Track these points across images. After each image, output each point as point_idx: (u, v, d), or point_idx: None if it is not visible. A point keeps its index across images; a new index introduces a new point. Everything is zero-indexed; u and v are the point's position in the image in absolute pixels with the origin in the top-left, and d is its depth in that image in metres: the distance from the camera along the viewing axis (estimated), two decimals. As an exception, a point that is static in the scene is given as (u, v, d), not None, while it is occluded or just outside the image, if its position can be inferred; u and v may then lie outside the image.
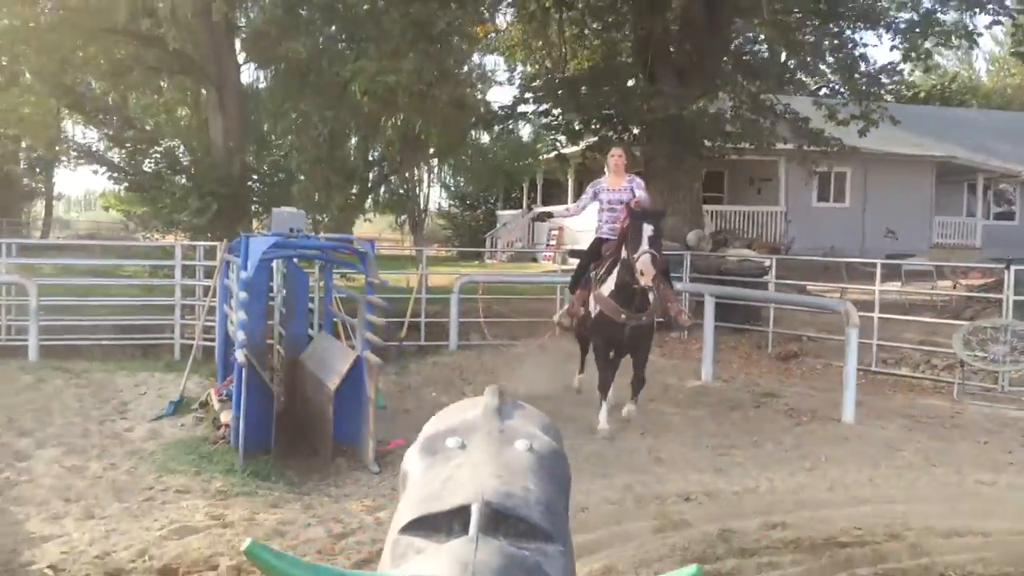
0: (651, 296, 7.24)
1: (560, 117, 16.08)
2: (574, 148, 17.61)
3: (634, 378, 7.62)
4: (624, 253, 7.06)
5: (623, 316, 7.19)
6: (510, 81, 29.47)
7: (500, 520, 1.60)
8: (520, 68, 22.79)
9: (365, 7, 11.78)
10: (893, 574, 4.61)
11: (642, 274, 6.71)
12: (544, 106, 16.26)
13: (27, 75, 16.38)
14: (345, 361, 6.73)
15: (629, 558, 4.69)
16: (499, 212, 34.82)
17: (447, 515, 1.63)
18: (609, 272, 7.39)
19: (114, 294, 12.14)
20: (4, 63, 16.40)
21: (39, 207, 44.56)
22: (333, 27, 11.93)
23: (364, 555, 4.65)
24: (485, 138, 26.13)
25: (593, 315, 7.52)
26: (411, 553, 1.58)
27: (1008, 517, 5.37)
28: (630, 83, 16.61)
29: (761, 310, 12.49)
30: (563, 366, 9.55)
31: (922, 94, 37.94)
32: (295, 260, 8.29)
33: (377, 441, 6.57)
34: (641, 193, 7.56)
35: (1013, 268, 9.91)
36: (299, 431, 7.07)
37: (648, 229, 6.80)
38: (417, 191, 26.02)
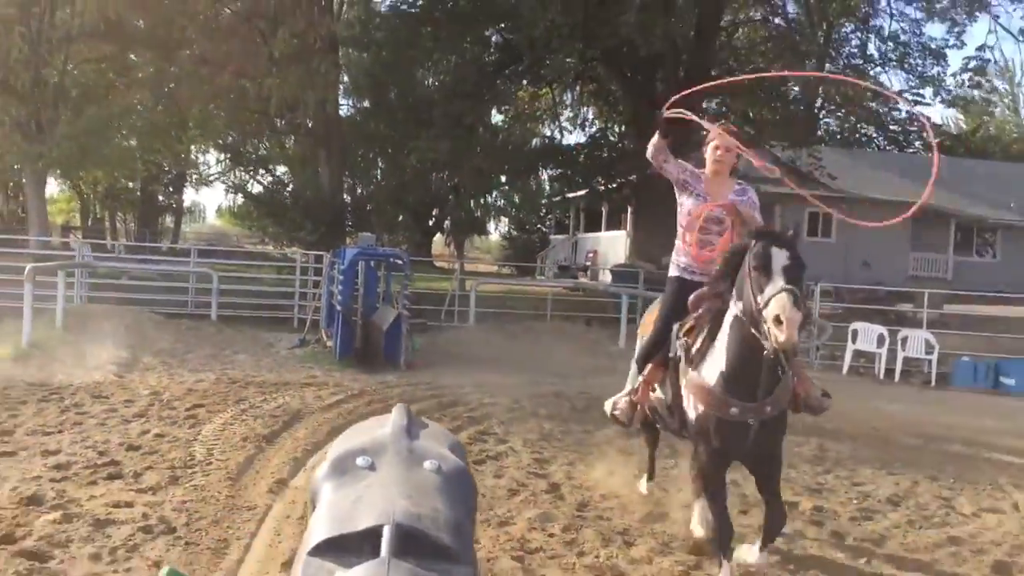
0: (783, 369, 4.63)
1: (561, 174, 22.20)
2: (579, 192, 23.67)
3: (767, 512, 4.90)
4: (738, 303, 4.51)
5: (734, 410, 4.62)
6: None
7: (410, 541, 1.62)
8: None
9: (425, 102, 18.16)
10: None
11: (780, 323, 4.08)
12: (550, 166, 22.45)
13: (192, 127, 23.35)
14: (392, 315, 12.81)
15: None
16: (552, 236, 41.01)
17: (358, 536, 1.64)
18: (710, 339, 4.81)
19: (257, 284, 18.68)
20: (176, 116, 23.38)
21: (168, 219, 52.69)
22: (402, 114, 18.40)
23: (396, 394, 10.57)
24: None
25: (693, 415, 4.87)
26: (322, 575, 1.60)
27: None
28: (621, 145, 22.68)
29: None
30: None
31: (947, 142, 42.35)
32: (370, 263, 14.42)
33: (407, 360, 12.65)
34: (753, 213, 5.13)
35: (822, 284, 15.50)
36: (367, 355, 13.17)
37: (781, 256, 4.30)
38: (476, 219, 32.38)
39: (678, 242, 5.45)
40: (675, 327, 5.16)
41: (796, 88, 26.68)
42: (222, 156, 38.06)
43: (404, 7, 19.19)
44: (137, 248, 22.08)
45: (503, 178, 21.52)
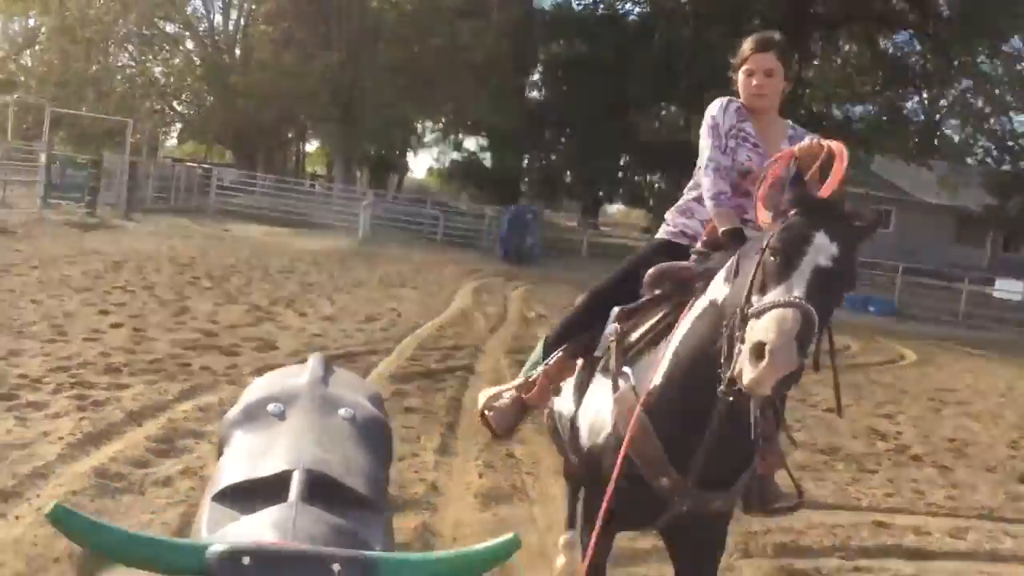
0: (757, 430, 2.34)
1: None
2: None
3: None
4: (724, 286, 2.54)
5: (666, 481, 2.64)
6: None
7: (320, 488, 1.61)
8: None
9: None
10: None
11: (759, 356, 2.10)
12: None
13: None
14: (529, 241, 25.78)
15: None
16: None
17: (266, 481, 1.64)
18: (655, 337, 2.85)
19: (463, 222, 32.26)
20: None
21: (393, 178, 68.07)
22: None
23: (525, 272, 23.17)
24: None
25: (589, 442, 2.91)
26: (226, 520, 1.58)
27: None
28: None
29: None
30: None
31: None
32: (522, 215, 27.20)
33: (535, 262, 25.53)
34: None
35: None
36: (517, 257, 26.01)
37: (824, 250, 2.24)
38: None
39: (682, 200, 3.35)
40: (616, 309, 3.00)
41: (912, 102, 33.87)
42: (436, 126, 52.99)
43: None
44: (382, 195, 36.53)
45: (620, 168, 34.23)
